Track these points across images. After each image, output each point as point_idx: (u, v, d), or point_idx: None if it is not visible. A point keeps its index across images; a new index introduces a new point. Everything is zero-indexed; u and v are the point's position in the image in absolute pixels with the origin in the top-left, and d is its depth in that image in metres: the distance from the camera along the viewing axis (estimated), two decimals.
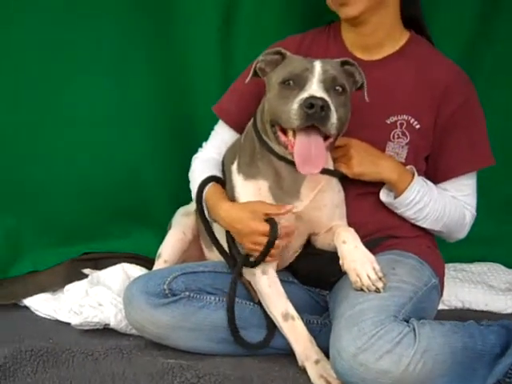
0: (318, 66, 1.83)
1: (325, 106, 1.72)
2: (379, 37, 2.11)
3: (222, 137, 2.26)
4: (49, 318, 2.32)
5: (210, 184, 2.09)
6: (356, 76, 1.95)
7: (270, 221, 1.93)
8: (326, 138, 1.82)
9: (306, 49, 2.17)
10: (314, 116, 1.72)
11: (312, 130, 1.78)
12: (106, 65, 2.64)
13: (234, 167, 2.07)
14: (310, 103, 1.72)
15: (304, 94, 1.76)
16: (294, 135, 1.81)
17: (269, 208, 1.95)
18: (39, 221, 2.70)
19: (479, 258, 2.92)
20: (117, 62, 2.65)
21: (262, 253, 1.94)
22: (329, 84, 1.81)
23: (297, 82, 1.81)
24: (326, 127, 1.75)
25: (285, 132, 1.85)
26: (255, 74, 1.97)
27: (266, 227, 1.92)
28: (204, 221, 2.12)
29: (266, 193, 1.98)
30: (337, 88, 1.83)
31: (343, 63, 1.93)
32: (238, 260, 2.01)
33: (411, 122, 2.07)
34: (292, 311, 1.95)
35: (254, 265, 1.98)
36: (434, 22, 2.37)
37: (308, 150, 1.78)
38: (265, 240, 1.93)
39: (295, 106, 1.75)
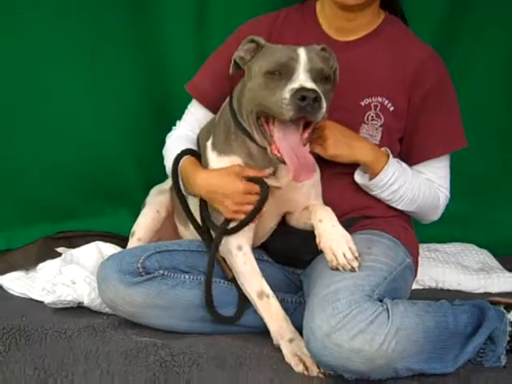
0: (302, 54, 1.81)
1: (317, 98, 1.71)
2: (362, 20, 2.09)
3: (195, 115, 2.25)
4: (22, 296, 2.31)
5: (186, 157, 2.08)
6: (330, 61, 1.93)
7: (257, 180, 1.92)
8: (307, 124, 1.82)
9: (279, 27, 2.14)
10: (306, 108, 1.71)
11: (290, 126, 1.78)
12: (81, 44, 2.62)
13: (209, 144, 2.05)
14: (303, 96, 1.70)
15: (294, 85, 1.74)
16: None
17: (248, 170, 1.94)
18: (13, 199, 2.68)
19: (453, 238, 2.96)
20: (92, 43, 2.63)
21: (251, 213, 1.92)
22: (315, 73, 1.79)
23: (283, 72, 1.78)
24: (316, 117, 1.75)
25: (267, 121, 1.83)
26: (236, 65, 1.95)
27: (254, 186, 1.92)
28: (179, 195, 2.10)
29: None
30: (323, 77, 1.81)
31: (321, 49, 1.92)
32: (217, 229, 1.98)
33: (385, 103, 2.07)
34: (267, 289, 1.95)
35: (237, 229, 1.96)
36: (410, 3, 2.36)
37: (295, 159, 1.78)
38: (253, 198, 1.92)
39: (286, 95, 1.72)
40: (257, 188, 1.92)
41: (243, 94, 1.91)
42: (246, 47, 1.92)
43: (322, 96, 1.73)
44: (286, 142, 1.79)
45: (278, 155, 1.79)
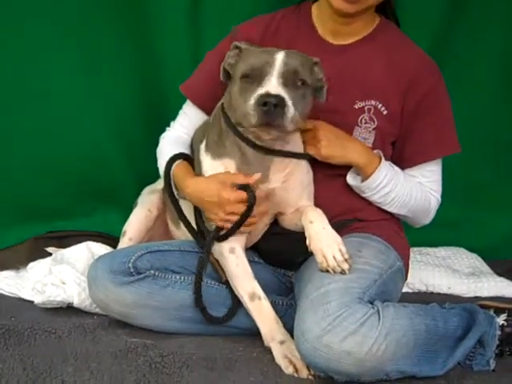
0: (279, 58, 1.81)
1: (279, 104, 1.71)
2: (357, 24, 2.09)
3: (189, 117, 2.24)
4: (11, 295, 2.29)
5: (178, 161, 2.08)
6: (315, 70, 1.92)
7: (245, 187, 1.91)
8: None
9: (274, 29, 2.14)
10: (268, 113, 1.72)
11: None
12: (74, 44, 2.61)
13: (202, 147, 2.05)
14: (264, 101, 1.71)
15: (261, 90, 1.75)
16: None
17: (235, 177, 1.94)
18: (3, 199, 2.67)
19: (444, 242, 2.97)
20: (85, 43, 2.62)
21: (239, 221, 1.92)
22: (289, 78, 1.78)
23: (256, 77, 1.79)
24: (282, 124, 1.75)
25: None
26: (226, 72, 1.95)
27: (241, 194, 1.91)
28: (172, 198, 2.10)
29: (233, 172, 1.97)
30: (297, 82, 1.80)
31: (315, 63, 1.92)
32: (209, 235, 1.99)
33: (379, 107, 2.07)
34: (259, 291, 1.95)
35: (226, 236, 1.96)
36: (404, 9, 2.37)
37: None
38: (241, 208, 1.91)
39: (252, 102, 1.74)
40: (242, 196, 1.91)
41: (231, 99, 1.91)
42: (232, 53, 1.93)
43: (289, 101, 1.74)
44: None
45: None
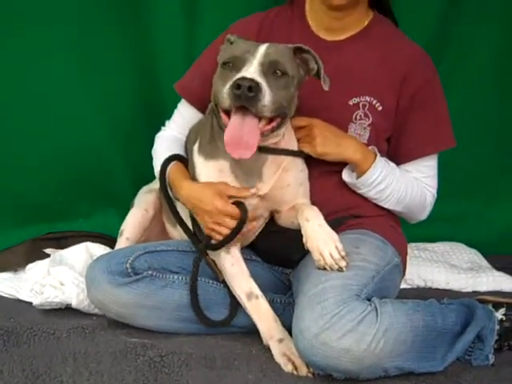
0: (262, 49, 1.81)
1: (253, 87, 1.70)
2: (350, 19, 2.09)
3: (184, 116, 2.24)
4: (10, 297, 2.30)
5: (173, 162, 2.08)
6: (310, 64, 1.92)
7: (240, 204, 1.92)
8: (269, 121, 1.82)
9: (269, 26, 2.15)
10: (241, 97, 1.70)
11: (247, 112, 1.75)
12: (69, 39, 2.61)
13: (195, 148, 2.05)
14: (237, 84, 1.70)
15: (238, 76, 1.74)
16: None
17: (232, 190, 1.94)
18: (1, 200, 2.66)
19: (442, 237, 2.97)
20: (81, 37, 2.62)
21: (228, 236, 1.93)
22: (267, 67, 1.78)
23: (236, 64, 1.79)
24: (257, 108, 1.73)
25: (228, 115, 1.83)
26: None
27: (235, 210, 1.91)
28: (167, 199, 2.10)
29: (227, 173, 1.96)
30: (276, 71, 1.79)
31: (297, 50, 1.90)
32: (202, 240, 1.99)
33: (373, 103, 2.07)
34: (256, 290, 1.95)
35: (216, 247, 1.97)
36: (402, 3, 2.36)
37: (238, 132, 1.76)
38: (231, 222, 1.91)
39: (228, 86, 1.74)
40: (235, 212, 1.91)
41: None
42: (224, 46, 1.94)
43: (265, 88, 1.72)
44: (239, 121, 1.77)
45: (226, 120, 1.79)
